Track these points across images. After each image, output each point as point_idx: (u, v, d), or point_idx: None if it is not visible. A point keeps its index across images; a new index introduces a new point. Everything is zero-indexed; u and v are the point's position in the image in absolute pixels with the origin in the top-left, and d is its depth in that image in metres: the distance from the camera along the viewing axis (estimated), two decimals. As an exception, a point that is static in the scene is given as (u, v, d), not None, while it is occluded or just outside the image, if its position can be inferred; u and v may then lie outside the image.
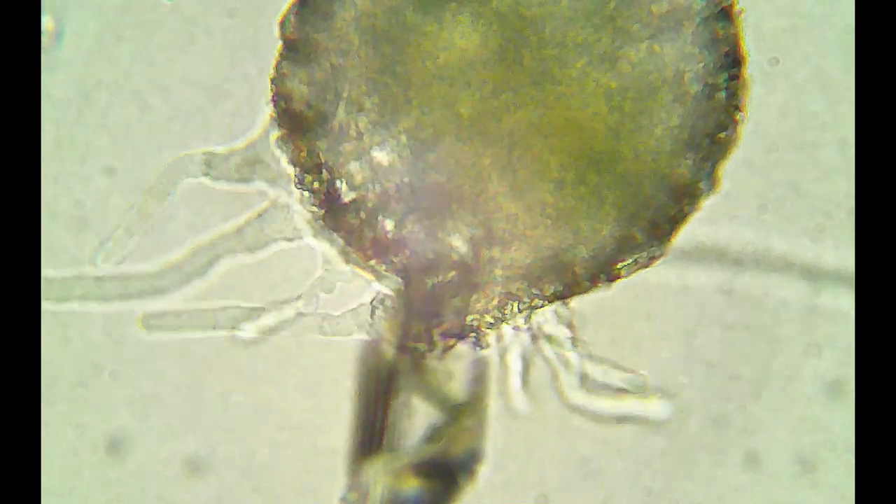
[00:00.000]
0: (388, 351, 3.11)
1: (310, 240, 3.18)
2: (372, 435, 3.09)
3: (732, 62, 3.09)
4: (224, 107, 3.27)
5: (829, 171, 3.25)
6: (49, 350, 3.25)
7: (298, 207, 3.15)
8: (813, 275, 3.23)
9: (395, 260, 3.09)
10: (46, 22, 3.22)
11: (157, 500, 3.26)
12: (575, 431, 3.25)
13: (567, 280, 3.07)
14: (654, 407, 3.23)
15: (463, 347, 3.11)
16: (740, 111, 3.11)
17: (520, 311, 3.11)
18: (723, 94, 3.07)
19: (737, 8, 3.08)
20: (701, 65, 3.05)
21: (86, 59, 3.26)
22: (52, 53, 3.22)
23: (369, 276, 3.15)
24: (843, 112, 3.24)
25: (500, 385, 3.19)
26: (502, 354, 3.19)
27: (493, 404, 3.15)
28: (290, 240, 3.18)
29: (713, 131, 3.07)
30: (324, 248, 3.16)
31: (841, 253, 3.23)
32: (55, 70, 3.24)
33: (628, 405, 3.22)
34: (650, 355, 3.25)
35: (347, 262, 3.15)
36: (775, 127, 3.25)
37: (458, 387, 3.13)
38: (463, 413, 3.13)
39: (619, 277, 3.10)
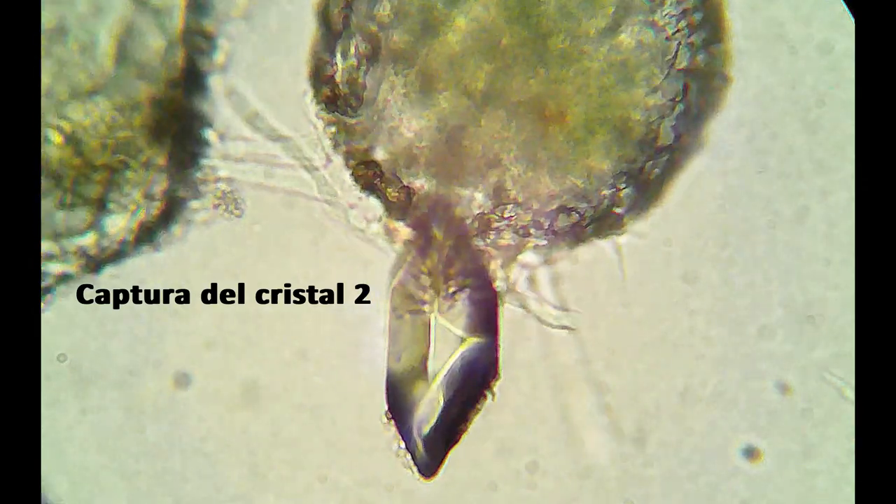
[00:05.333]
0: (419, 286, 3.53)
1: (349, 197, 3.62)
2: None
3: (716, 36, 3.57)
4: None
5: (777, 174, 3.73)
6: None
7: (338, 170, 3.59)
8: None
9: (422, 213, 3.54)
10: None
11: (217, 424, 3.83)
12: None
13: (567, 229, 3.58)
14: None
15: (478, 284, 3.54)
16: (725, 75, 3.58)
17: (529, 250, 3.58)
18: (708, 60, 3.56)
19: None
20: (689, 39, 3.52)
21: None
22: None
23: (400, 230, 3.60)
24: (791, 121, 3.70)
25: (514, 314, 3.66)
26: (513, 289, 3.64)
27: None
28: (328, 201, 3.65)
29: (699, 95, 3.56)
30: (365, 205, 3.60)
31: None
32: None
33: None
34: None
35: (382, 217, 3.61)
36: (731, 136, 3.70)
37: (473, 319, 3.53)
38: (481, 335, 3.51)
39: (619, 227, 3.61)
